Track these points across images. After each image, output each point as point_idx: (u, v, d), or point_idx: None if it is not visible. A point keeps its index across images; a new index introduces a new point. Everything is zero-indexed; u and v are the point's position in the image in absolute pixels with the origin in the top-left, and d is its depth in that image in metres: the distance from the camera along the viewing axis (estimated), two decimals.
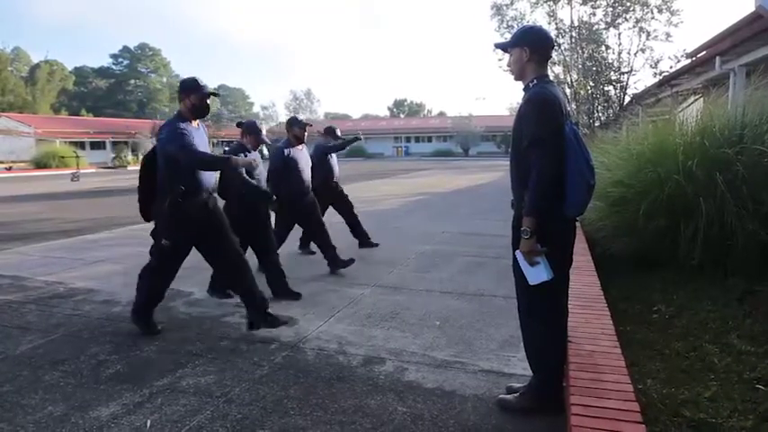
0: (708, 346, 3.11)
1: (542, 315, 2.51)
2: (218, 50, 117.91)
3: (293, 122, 5.38)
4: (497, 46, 2.76)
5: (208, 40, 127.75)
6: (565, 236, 2.48)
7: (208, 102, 3.64)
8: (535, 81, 2.45)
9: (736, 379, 2.71)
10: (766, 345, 3.07)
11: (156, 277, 3.80)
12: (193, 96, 3.57)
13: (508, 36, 2.98)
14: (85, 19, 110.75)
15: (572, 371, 2.52)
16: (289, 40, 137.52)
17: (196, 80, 3.61)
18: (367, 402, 2.72)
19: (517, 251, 2.43)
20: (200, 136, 3.66)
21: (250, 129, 4.57)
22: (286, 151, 5.18)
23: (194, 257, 6.45)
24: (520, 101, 2.54)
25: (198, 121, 3.72)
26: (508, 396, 2.67)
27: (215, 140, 37.98)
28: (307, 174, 5.36)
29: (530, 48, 2.46)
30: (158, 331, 3.74)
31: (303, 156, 5.36)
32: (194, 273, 5.46)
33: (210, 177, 3.73)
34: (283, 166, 5.13)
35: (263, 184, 4.64)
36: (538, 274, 2.37)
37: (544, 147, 2.28)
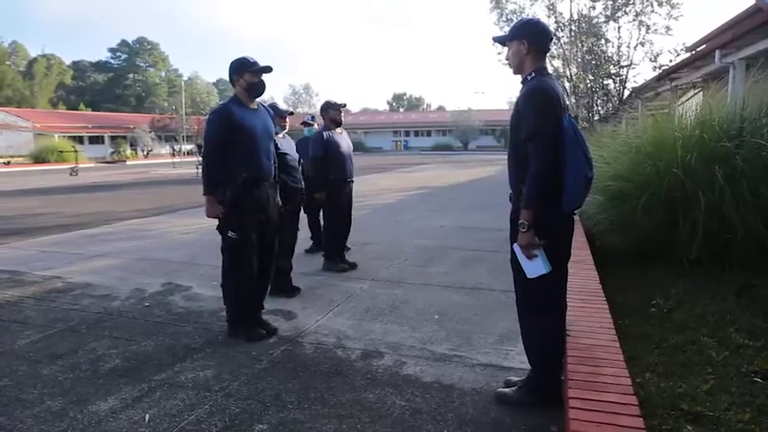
0: (706, 340, 3.11)
1: (541, 309, 2.51)
2: (218, 46, 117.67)
3: (328, 106, 5.32)
4: (496, 39, 2.74)
5: (207, 36, 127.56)
6: (563, 229, 2.47)
7: (262, 78, 3.47)
8: (533, 74, 2.44)
9: (734, 372, 2.71)
10: (764, 338, 3.08)
11: (237, 276, 3.51)
12: (247, 75, 3.42)
13: (507, 29, 2.95)
14: (84, 14, 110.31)
15: (570, 364, 2.52)
16: (288, 37, 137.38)
17: (245, 58, 3.46)
18: (365, 396, 2.72)
19: (515, 244, 2.43)
20: (260, 118, 3.52)
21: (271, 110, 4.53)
22: (325, 135, 5.15)
23: (191, 252, 6.44)
24: (518, 94, 2.53)
25: (257, 102, 3.58)
26: (506, 390, 2.67)
27: None
28: (349, 158, 5.30)
29: (528, 40, 2.45)
30: (263, 336, 3.50)
31: (344, 139, 5.31)
32: (192, 267, 5.47)
33: (270, 167, 3.58)
34: (324, 152, 5.10)
35: (298, 170, 4.60)
36: (536, 267, 2.37)
37: (542, 139, 2.28)
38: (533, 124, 2.30)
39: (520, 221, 2.34)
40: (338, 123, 5.29)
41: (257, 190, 3.48)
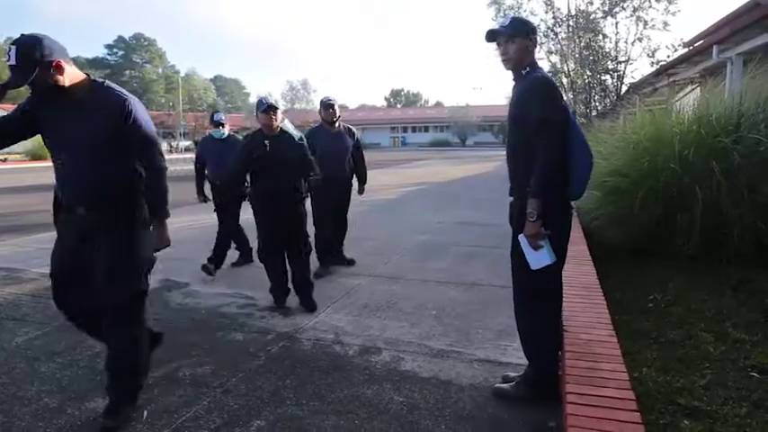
0: (703, 335, 3.12)
1: (538, 303, 2.52)
2: (216, 44, 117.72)
3: (320, 103, 5.27)
4: (501, 31, 2.45)
5: (206, 34, 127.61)
6: (565, 220, 2.49)
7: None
8: (528, 68, 2.46)
9: (731, 367, 2.72)
10: (761, 333, 3.09)
11: None
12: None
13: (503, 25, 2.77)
14: (84, 13, 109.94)
15: (568, 359, 2.53)
16: (288, 36, 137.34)
17: None
18: (363, 392, 2.72)
19: (520, 235, 2.41)
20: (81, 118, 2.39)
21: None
22: (312, 132, 5.12)
23: (188, 248, 6.41)
24: (516, 89, 2.53)
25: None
26: (504, 385, 2.68)
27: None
28: (338, 157, 5.13)
29: (533, 37, 2.48)
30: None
31: (336, 138, 5.17)
32: (189, 264, 5.45)
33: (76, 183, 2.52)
34: (313, 149, 5.05)
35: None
36: (541, 258, 2.36)
37: (552, 127, 2.29)
38: (543, 113, 2.30)
39: (528, 211, 2.32)
40: (328, 121, 5.14)
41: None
